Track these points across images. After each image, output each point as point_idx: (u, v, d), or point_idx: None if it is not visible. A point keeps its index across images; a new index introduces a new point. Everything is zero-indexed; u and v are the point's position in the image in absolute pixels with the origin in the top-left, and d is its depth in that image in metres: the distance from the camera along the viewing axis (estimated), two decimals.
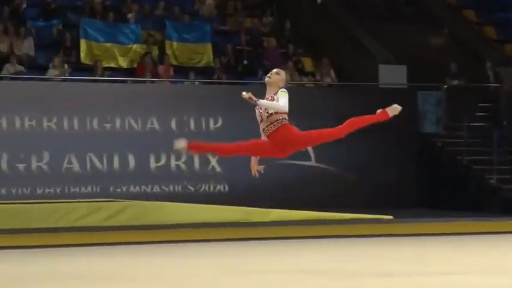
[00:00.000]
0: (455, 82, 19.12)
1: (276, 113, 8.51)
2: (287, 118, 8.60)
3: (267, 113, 8.53)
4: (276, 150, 8.92)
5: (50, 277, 8.43)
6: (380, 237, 12.58)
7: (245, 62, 18.98)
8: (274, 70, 8.84)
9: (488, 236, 12.89)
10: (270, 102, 8.53)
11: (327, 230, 13.43)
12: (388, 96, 18.15)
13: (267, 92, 8.67)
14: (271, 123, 8.55)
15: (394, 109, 9.12)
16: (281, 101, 8.51)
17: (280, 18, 20.46)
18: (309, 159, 17.28)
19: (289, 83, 8.91)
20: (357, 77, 19.17)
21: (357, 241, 12.14)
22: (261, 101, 8.47)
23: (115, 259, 10.17)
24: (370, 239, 12.40)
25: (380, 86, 19.05)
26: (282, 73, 8.84)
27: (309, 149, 17.24)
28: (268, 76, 8.75)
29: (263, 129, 8.65)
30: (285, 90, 8.62)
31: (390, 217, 14.83)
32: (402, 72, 19.19)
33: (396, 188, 17.52)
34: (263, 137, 8.75)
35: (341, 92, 18.57)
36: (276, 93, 8.59)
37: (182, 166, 16.59)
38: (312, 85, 18.98)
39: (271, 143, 8.74)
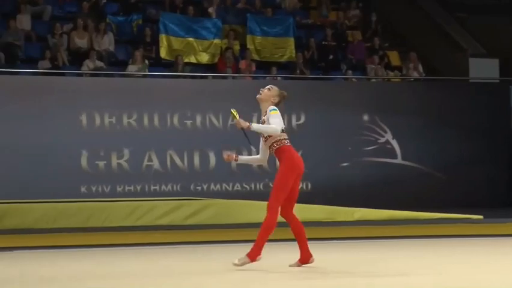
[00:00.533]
0: None
1: (270, 136, 8.57)
2: (283, 139, 8.60)
3: (263, 136, 8.68)
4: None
5: (143, 275, 8.56)
6: (470, 237, 12.47)
7: (330, 56, 18.94)
8: (267, 86, 8.86)
9: None
10: (262, 126, 8.58)
11: (413, 230, 13.34)
12: (479, 91, 18.11)
13: (261, 109, 8.74)
14: (270, 146, 8.65)
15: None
16: (272, 122, 8.48)
17: (366, 11, 20.37)
18: (395, 157, 17.21)
19: (284, 98, 8.80)
20: (446, 71, 19.02)
21: (445, 241, 12.04)
22: (254, 126, 8.53)
23: (195, 257, 10.30)
24: (459, 239, 12.30)
25: (471, 80, 18.85)
26: (274, 89, 8.81)
27: (395, 146, 17.18)
28: (259, 93, 8.77)
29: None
30: (275, 108, 8.58)
31: (481, 217, 14.68)
32: (494, 66, 18.99)
33: (486, 187, 17.39)
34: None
35: (430, 87, 18.40)
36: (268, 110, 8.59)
37: (265, 165, 16.63)
38: (398, 80, 18.86)
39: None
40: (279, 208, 8.64)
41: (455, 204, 15.86)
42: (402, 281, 8.01)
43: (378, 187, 16.67)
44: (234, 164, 16.44)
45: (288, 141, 8.67)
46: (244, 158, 9.28)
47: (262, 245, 8.58)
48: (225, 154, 9.17)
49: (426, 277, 8.19)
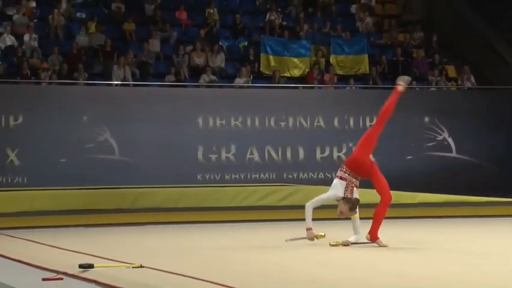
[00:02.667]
0: None
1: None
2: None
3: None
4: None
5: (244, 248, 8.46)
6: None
7: (399, 70, 18.54)
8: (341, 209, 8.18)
9: None
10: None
11: (464, 210, 12.94)
12: None
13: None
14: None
15: (401, 79, 8.48)
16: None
17: (428, 33, 19.89)
18: (451, 151, 16.74)
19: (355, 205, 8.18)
20: (494, 81, 18.41)
21: (490, 220, 11.62)
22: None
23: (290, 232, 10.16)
24: (503, 218, 11.84)
25: None
26: (343, 207, 8.20)
27: (450, 141, 16.71)
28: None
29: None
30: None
31: None
32: None
33: None
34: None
35: (480, 94, 17.85)
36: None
37: (343, 157, 16.40)
38: (455, 89, 18.36)
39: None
40: None
41: (507, 193, 15.21)
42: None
43: (436, 176, 16.22)
44: (318, 156, 16.30)
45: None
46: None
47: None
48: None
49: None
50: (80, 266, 6.37)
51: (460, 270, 6.73)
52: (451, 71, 18.98)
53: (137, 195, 13.89)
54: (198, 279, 5.96)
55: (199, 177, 15.57)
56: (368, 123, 16.56)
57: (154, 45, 17.72)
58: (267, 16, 18.97)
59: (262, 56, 18.01)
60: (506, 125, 16.86)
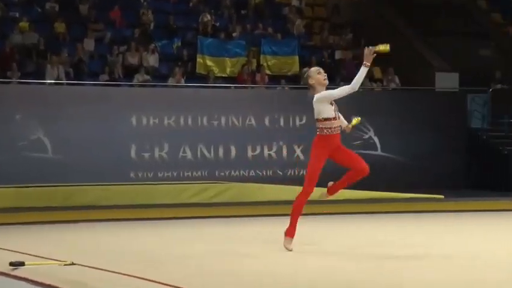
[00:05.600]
0: (499, 86, 18.59)
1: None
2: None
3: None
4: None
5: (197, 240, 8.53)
6: (433, 212, 12.38)
7: (326, 71, 18.79)
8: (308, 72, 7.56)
9: None
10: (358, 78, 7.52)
11: (388, 206, 13.25)
12: (442, 98, 17.93)
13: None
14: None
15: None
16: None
17: (356, 36, 20.20)
18: (376, 149, 17.06)
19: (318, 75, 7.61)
20: (417, 82, 18.83)
21: (413, 216, 11.95)
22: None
23: (220, 228, 10.26)
24: (424, 214, 12.21)
25: (436, 90, 18.66)
26: (311, 72, 7.64)
27: (376, 139, 17.02)
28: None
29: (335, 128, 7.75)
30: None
31: (442, 196, 14.53)
32: (455, 78, 18.80)
33: (448, 174, 17.12)
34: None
35: (404, 95, 18.24)
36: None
37: (273, 155, 16.57)
38: (380, 89, 18.72)
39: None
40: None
41: (424, 188, 15.59)
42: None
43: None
44: (249, 155, 16.40)
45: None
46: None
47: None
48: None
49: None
50: (11, 264, 6.34)
51: (368, 266, 6.94)
52: (377, 72, 19.32)
53: (70, 193, 13.79)
54: (127, 275, 6.01)
55: (132, 175, 15.47)
56: (297, 123, 16.76)
57: (88, 44, 17.55)
58: (201, 17, 18.99)
59: (199, 56, 18.03)
60: (428, 124, 17.27)
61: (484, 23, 21.14)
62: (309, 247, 8.00)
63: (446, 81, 18.55)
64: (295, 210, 7.74)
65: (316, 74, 7.72)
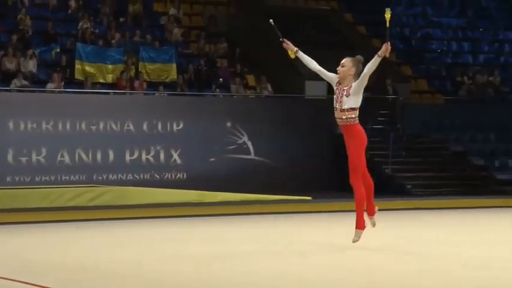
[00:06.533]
0: (365, 95, 19.20)
1: (354, 109, 7.32)
2: (357, 115, 7.31)
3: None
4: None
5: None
6: (301, 213, 12.68)
7: (202, 78, 18.92)
8: (342, 62, 7.32)
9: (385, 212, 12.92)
10: (370, 69, 7.12)
11: (260, 208, 13.45)
12: (311, 105, 18.39)
13: (343, 85, 7.31)
14: (347, 119, 7.40)
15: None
16: (366, 74, 7.20)
17: (232, 45, 20.40)
18: (250, 153, 17.29)
19: (360, 62, 7.26)
20: (289, 90, 19.21)
21: (283, 217, 12.22)
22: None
23: (99, 232, 10.14)
24: (293, 215, 12.49)
25: (306, 97, 19.11)
26: (347, 62, 7.30)
27: (250, 144, 17.23)
28: (338, 72, 7.38)
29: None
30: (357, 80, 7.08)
31: (309, 198, 14.87)
32: (323, 87, 19.23)
33: (316, 177, 17.56)
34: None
35: (276, 101, 18.59)
36: (351, 86, 7.22)
37: (151, 159, 16.51)
38: (253, 96, 19.00)
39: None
40: (361, 179, 7.37)
41: (294, 190, 15.81)
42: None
43: (236, 176, 16.67)
44: (127, 159, 16.25)
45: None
46: (304, 55, 7.56)
47: (362, 215, 7.49)
48: (285, 42, 7.48)
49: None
50: None
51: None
52: (251, 80, 19.60)
53: None
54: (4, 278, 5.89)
55: (8, 179, 15.08)
56: (175, 128, 16.77)
57: None
58: (80, 24, 18.65)
59: (77, 62, 17.69)
60: (298, 130, 17.67)
61: (349, 35, 21.81)
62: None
63: (315, 89, 18.98)
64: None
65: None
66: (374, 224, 7.86)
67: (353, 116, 7.34)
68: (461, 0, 23.71)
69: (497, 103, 20.35)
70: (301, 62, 7.67)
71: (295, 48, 7.53)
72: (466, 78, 20.83)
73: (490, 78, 20.95)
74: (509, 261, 7.29)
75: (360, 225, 7.57)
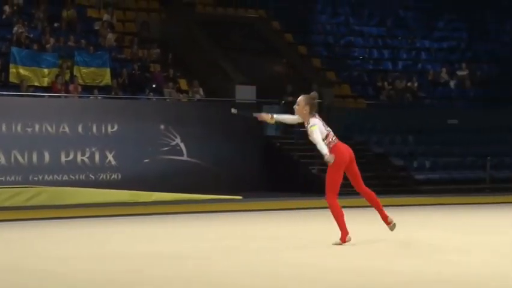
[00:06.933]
0: (290, 98, 19.68)
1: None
2: (330, 141, 7.65)
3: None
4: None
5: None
6: (232, 212, 13.02)
7: (136, 82, 19.12)
8: (298, 100, 7.49)
9: (312, 210, 13.36)
10: (316, 141, 7.53)
11: (193, 207, 13.76)
12: (242, 108, 18.69)
13: (305, 123, 7.60)
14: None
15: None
16: (313, 139, 7.57)
17: (164, 50, 20.64)
18: (183, 154, 17.54)
19: (314, 99, 7.51)
20: (220, 94, 19.55)
21: (215, 215, 12.55)
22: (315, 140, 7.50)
23: (36, 230, 10.26)
24: (225, 213, 12.83)
25: (237, 101, 19.47)
26: (300, 102, 7.52)
27: (182, 146, 17.46)
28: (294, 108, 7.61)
29: None
30: (313, 125, 7.49)
31: (240, 197, 15.26)
32: (252, 91, 19.65)
33: (246, 177, 17.86)
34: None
35: (208, 105, 18.89)
36: (308, 124, 7.50)
37: (86, 160, 16.61)
38: (186, 100, 19.27)
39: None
40: (335, 197, 7.73)
41: (225, 189, 16.02)
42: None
43: (170, 177, 16.90)
44: (63, 160, 16.34)
45: (334, 138, 7.66)
46: (280, 117, 7.78)
47: (344, 227, 7.73)
48: (258, 115, 7.74)
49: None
50: None
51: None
52: (183, 84, 19.88)
53: None
54: None
55: None
56: (109, 130, 16.91)
57: None
58: (15, 29, 18.62)
59: (12, 66, 17.66)
60: (230, 132, 18.02)
61: (277, 42, 22.30)
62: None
63: (245, 93, 19.35)
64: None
65: None
66: (393, 227, 7.98)
67: (327, 142, 7.66)
68: (380, 10, 24.57)
69: (415, 107, 21.20)
70: (283, 123, 8.00)
71: (270, 115, 7.87)
72: (386, 83, 21.69)
73: (408, 84, 21.86)
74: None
75: (343, 239, 7.79)
